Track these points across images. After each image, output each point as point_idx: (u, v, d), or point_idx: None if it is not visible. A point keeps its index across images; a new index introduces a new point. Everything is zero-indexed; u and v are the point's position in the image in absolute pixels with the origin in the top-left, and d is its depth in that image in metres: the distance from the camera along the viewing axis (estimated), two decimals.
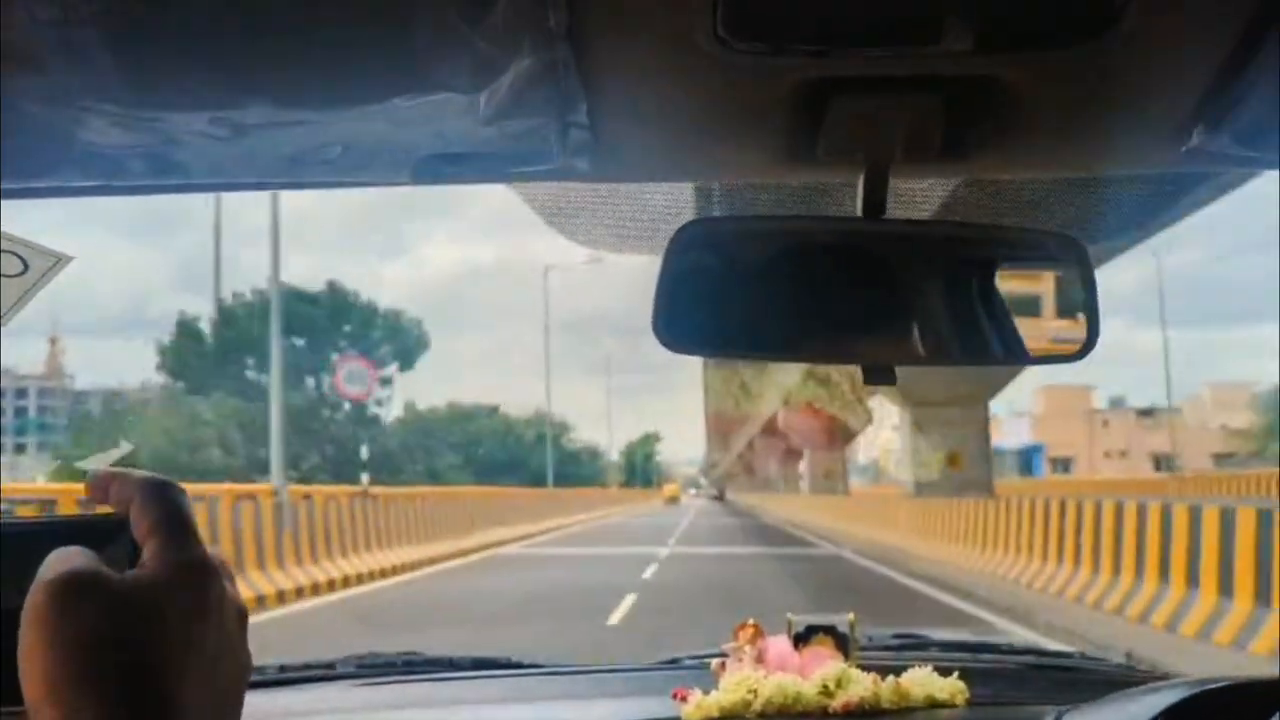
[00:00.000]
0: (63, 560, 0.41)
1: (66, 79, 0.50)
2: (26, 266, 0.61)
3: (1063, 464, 64.03)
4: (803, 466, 48.51)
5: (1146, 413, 64.95)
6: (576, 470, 69.13)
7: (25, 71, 0.50)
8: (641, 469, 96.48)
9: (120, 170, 0.59)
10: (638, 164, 0.69)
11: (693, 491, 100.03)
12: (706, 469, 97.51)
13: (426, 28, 0.49)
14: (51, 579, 0.40)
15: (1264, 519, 6.99)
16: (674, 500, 66.49)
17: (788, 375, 32.25)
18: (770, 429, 42.97)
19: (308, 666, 1.52)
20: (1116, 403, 74.65)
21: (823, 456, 39.21)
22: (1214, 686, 1.07)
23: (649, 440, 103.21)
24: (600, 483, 72.10)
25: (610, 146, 0.63)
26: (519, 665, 1.56)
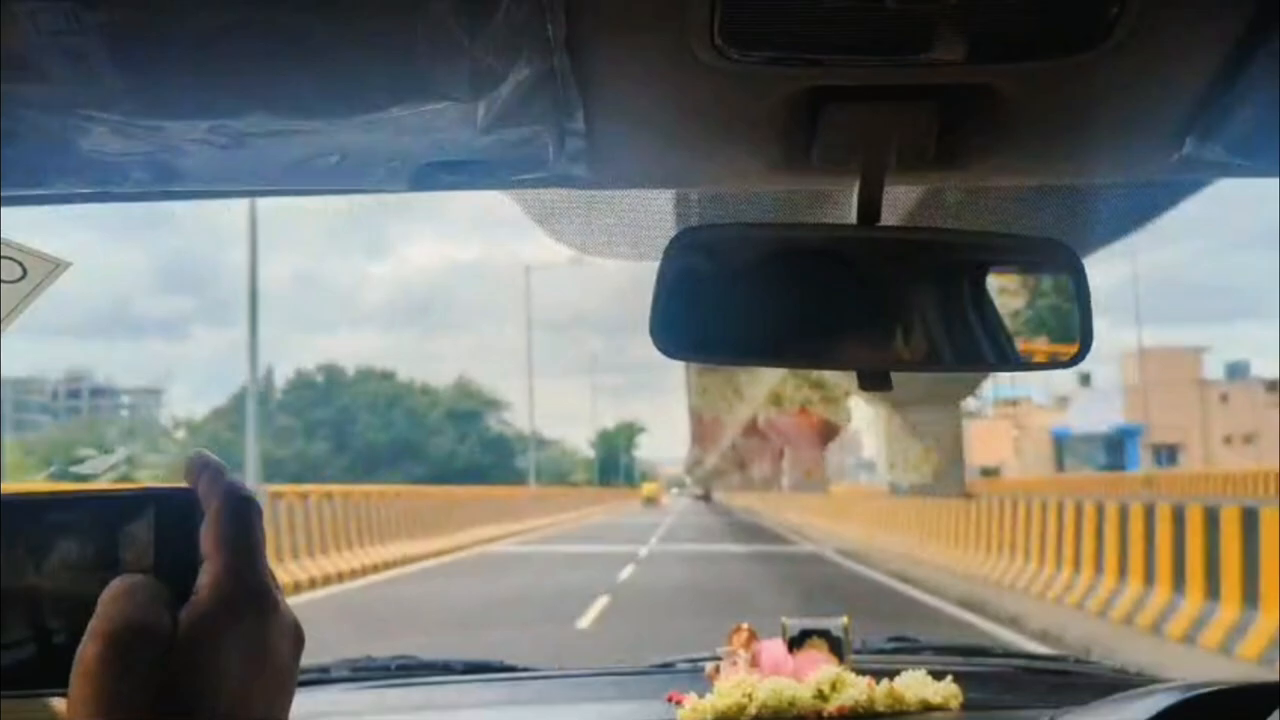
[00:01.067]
0: (116, 605, 0.40)
1: (67, 86, 0.51)
2: (25, 272, 0.61)
3: (1168, 452, 44.54)
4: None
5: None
6: (496, 463, 51.03)
7: (26, 79, 0.50)
8: (606, 465, 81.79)
9: (120, 177, 0.59)
10: (634, 171, 0.70)
11: (674, 491, 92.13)
12: (690, 466, 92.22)
13: (426, 38, 0.49)
14: (105, 632, 0.39)
15: None
16: (653, 501, 57.64)
17: (778, 372, 31.49)
18: (770, 424, 35.28)
19: (301, 670, 1.51)
20: (1238, 371, 52.14)
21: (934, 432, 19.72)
22: (1206, 690, 1.08)
23: (626, 432, 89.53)
24: (560, 479, 60.80)
25: (607, 154, 0.64)
26: (513, 669, 1.56)
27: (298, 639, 0.44)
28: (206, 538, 0.42)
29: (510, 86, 0.53)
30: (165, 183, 0.60)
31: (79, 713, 0.39)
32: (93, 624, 0.40)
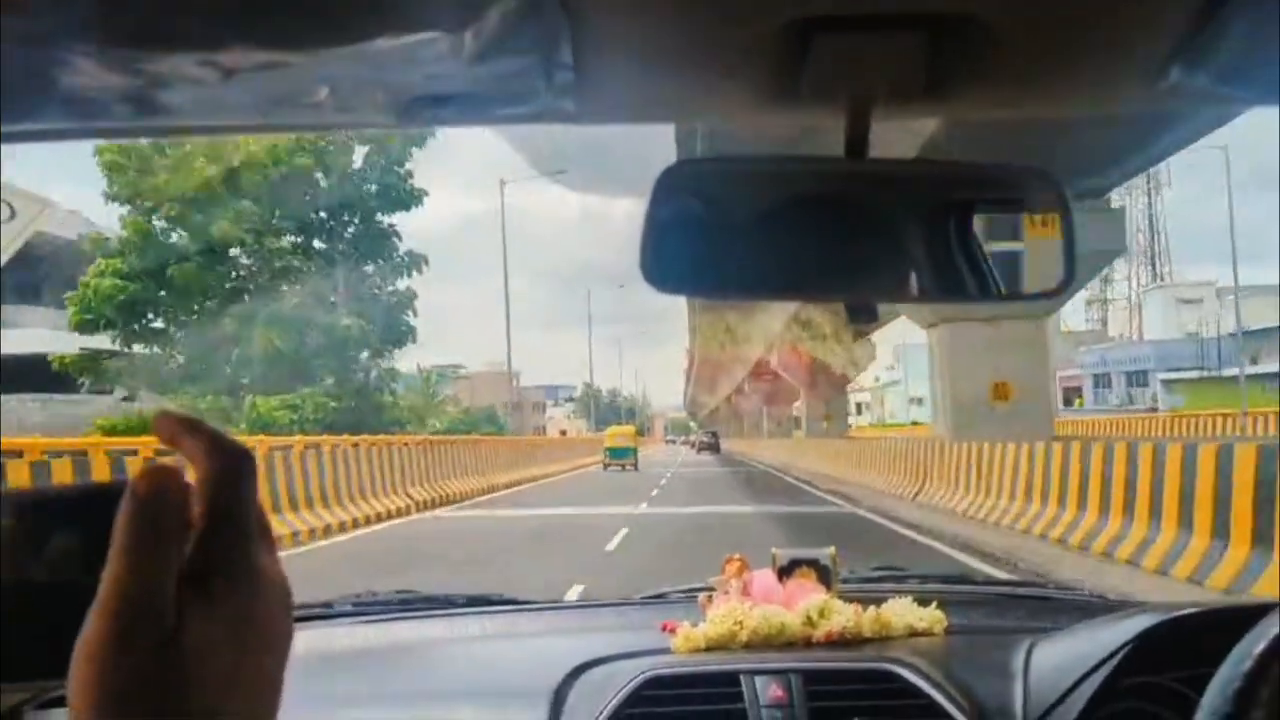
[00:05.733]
0: (122, 583, 0.38)
1: (50, 20, 0.50)
2: (14, 212, 0.61)
3: None
4: None
5: None
6: None
7: (7, 13, 0.49)
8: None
9: (106, 113, 0.59)
10: (622, 105, 0.70)
11: (669, 440, 78.53)
12: (689, 407, 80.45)
13: None
14: (111, 611, 0.38)
15: None
16: (623, 454, 31.88)
17: (773, 318, 31.12)
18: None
19: (305, 606, 1.55)
20: None
21: None
22: (1182, 613, 1.11)
23: None
24: None
25: (594, 87, 0.63)
26: (512, 601, 1.60)
27: (286, 599, 0.42)
28: (195, 504, 0.39)
29: (497, 16, 0.52)
30: (152, 118, 0.60)
31: (80, 695, 0.38)
32: (98, 601, 0.38)
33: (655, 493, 20.37)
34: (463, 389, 51.04)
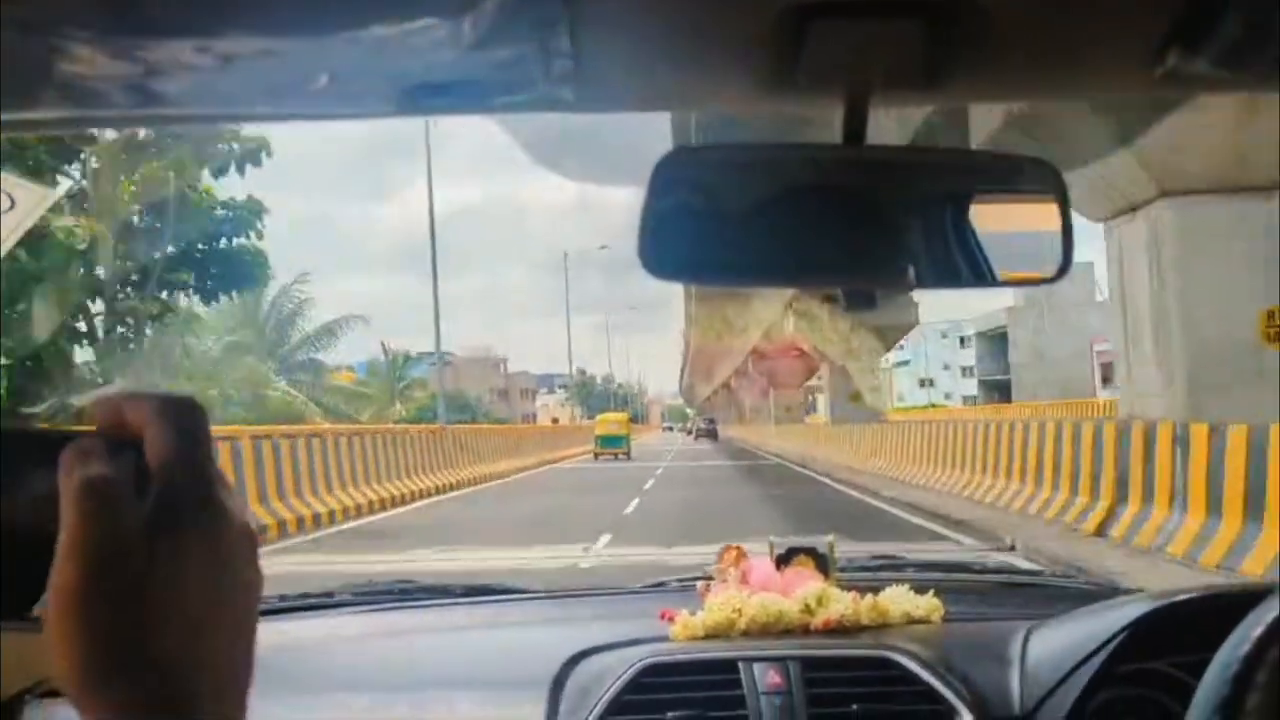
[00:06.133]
0: (89, 526, 0.39)
1: (49, 8, 0.50)
2: (14, 203, 0.61)
3: None
4: None
5: None
6: None
7: (6, 2, 0.49)
8: None
9: (105, 101, 0.59)
10: (620, 94, 0.70)
11: (666, 425, 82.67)
12: (686, 394, 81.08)
13: None
14: (83, 554, 0.38)
15: None
16: (615, 442, 30.91)
17: (770, 307, 30.59)
18: None
19: (306, 596, 1.56)
20: None
21: None
22: (1179, 598, 1.12)
23: None
24: None
25: (593, 76, 0.63)
26: (511, 591, 1.61)
27: (252, 543, 0.43)
28: (150, 447, 0.40)
29: (495, 4, 0.52)
30: (151, 106, 0.60)
31: (60, 635, 0.38)
32: (66, 542, 0.39)
33: (634, 505, 13.58)
34: (446, 375, 50.97)
